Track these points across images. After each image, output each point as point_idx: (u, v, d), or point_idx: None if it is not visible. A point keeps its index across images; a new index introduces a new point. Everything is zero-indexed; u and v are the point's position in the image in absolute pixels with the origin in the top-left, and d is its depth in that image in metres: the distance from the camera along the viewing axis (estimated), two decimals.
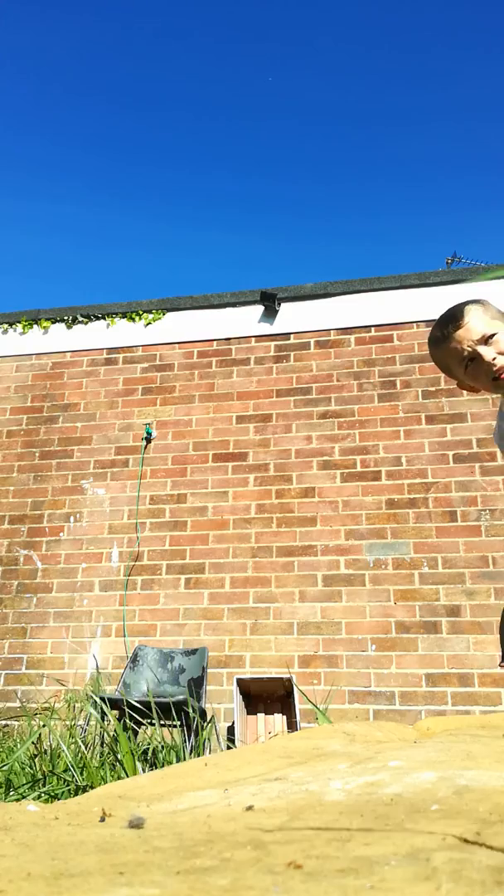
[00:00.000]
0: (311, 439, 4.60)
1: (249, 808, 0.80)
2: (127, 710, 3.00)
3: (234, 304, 5.14)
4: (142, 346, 5.17)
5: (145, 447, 4.81)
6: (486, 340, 1.53)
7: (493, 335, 1.53)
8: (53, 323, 5.42)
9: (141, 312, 5.26)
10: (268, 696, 3.85)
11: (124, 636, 4.30)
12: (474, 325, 1.55)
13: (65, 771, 1.96)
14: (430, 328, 4.91)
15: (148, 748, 2.41)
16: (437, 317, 1.63)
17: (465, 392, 4.52)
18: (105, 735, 2.43)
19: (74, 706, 3.60)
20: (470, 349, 1.54)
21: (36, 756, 2.11)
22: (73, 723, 2.89)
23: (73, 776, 1.90)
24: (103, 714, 2.59)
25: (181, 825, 0.76)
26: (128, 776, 1.87)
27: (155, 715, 2.51)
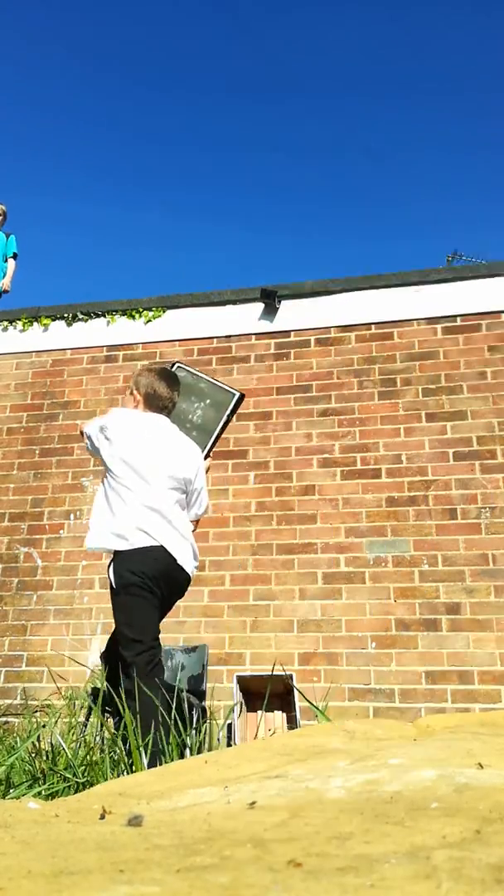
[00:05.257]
0: (311, 437, 4.59)
1: (249, 805, 0.80)
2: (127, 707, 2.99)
3: (234, 302, 5.13)
4: (142, 343, 5.16)
5: None
6: None
7: None
8: (53, 320, 5.42)
9: (141, 310, 5.25)
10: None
11: None
12: None
13: (65, 768, 1.96)
14: (431, 325, 4.88)
15: (147, 745, 2.41)
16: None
17: (465, 390, 4.52)
18: (105, 732, 2.43)
19: (74, 703, 3.59)
20: None
21: (36, 753, 2.10)
22: (73, 720, 2.89)
23: (74, 773, 1.90)
24: (103, 711, 2.59)
25: (181, 823, 0.76)
26: (128, 773, 1.87)
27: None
